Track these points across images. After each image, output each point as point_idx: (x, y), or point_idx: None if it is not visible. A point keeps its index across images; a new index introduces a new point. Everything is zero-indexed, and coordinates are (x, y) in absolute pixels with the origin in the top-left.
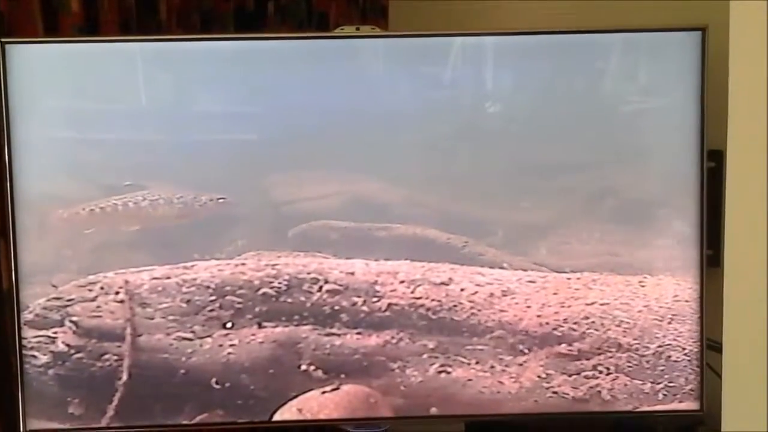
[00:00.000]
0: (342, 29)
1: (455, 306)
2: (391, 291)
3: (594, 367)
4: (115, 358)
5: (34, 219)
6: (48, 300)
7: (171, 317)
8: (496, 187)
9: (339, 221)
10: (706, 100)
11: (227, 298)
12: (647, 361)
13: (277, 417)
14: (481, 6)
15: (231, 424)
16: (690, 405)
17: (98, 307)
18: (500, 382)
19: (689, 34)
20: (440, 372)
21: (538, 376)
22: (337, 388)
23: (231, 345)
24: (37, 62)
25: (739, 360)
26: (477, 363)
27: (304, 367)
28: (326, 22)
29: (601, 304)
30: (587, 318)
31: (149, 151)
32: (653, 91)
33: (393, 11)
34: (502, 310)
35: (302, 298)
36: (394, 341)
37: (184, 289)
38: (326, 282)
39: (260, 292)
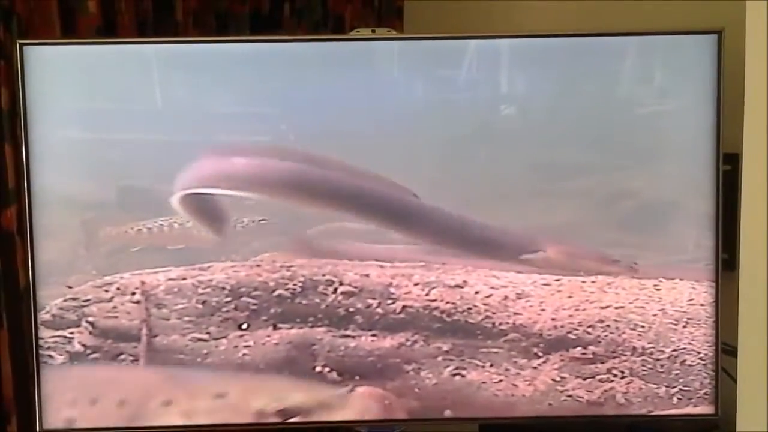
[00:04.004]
0: (357, 31)
1: (470, 309)
2: (406, 293)
3: (608, 371)
4: (131, 358)
5: (52, 219)
6: (65, 300)
7: (186, 318)
8: (511, 189)
9: (355, 223)
10: (722, 103)
11: (243, 299)
12: (662, 365)
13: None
14: (496, 8)
15: (242, 425)
16: (705, 409)
17: (114, 307)
18: (514, 385)
19: (705, 36)
20: (455, 375)
21: (553, 380)
22: (351, 390)
23: (246, 346)
24: (54, 63)
25: (754, 364)
26: (491, 366)
27: (318, 368)
28: (342, 24)
29: (616, 308)
30: (602, 321)
31: (165, 152)
32: (669, 94)
33: (408, 13)
34: (516, 313)
35: (317, 300)
36: (408, 343)
37: (200, 291)
38: (341, 284)
39: (275, 293)
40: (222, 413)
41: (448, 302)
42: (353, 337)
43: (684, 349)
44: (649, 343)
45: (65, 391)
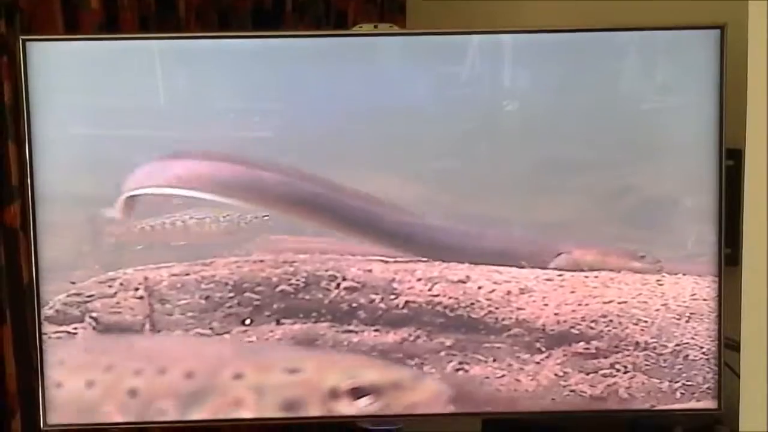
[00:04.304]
0: (360, 27)
1: (473, 304)
2: (409, 288)
3: (611, 366)
4: None
5: (55, 215)
6: (68, 296)
7: (190, 314)
8: (514, 185)
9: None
10: (725, 98)
11: (246, 294)
12: (665, 360)
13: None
14: (499, 4)
15: (247, 419)
16: (708, 404)
17: (118, 303)
18: (517, 380)
19: (708, 32)
20: (457, 370)
21: (556, 375)
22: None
23: (249, 341)
24: (57, 59)
25: (757, 358)
26: (494, 361)
27: None
28: (344, 20)
29: (619, 303)
30: (605, 316)
31: (168, 148)
32: (672, 90)
33: (411, 9)
34: (519, 308)
35: (320, 296)
36: (411, 339)
37: (203, 286)
38: (344, 279)
39: (278, 289)
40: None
41: (451, 297)
42: (356, 332)
43: (687, 343)
44: (652, 337)
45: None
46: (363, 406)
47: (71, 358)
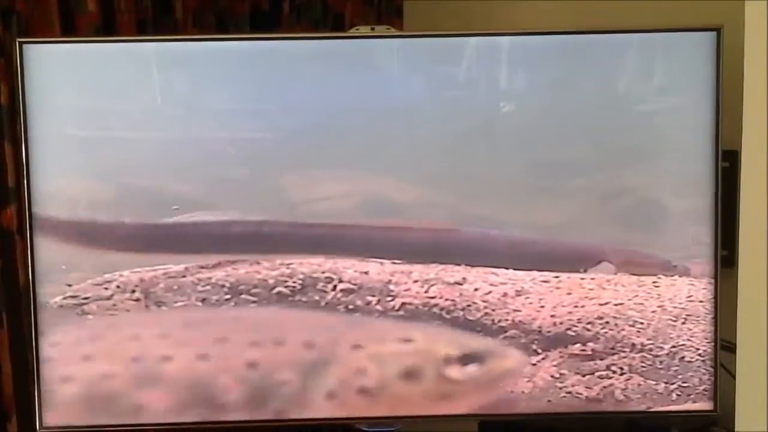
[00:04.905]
0: (357, 29)
1: (469, 305)
2: (405, 290)
3: (608, 367)
4: None
5: (51, 216)
6: (64, 298)
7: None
8: (510, 186)
9: (353, 220)
10: (721, 100)
11: (242, 296)
12: (661, 362)
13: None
14: (496, 5)
15: (244, 422)
16: (704, 405)
17: (114, 305)
18: (513, 382)
19: (704, 34)
20: None
21: (552, 376)
22: None
23: None
24: (54, 62)
25: (753, 360)
26: None
27: None
28: (342, 22)
29: (615, 305)
30: (601, 318)
31: (164, 150)
32: (668, 91)
33: (408, 11)
34: (515, 310)
35: (316, 298)
36: None
37: (200, 288)
38: (340, 281)
39: (275, 291)
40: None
41: (447, 299)
42: None
43: (683, 345)
44: (648, 339)
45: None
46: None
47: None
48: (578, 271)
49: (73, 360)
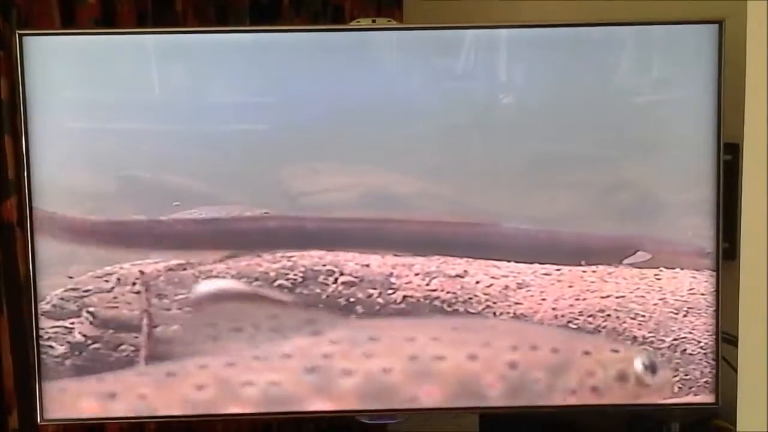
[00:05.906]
0: (357, 21)
1: (470, 298)
2: (407, 283)
3: None
4: (132, 348)
5: (51, 209)
6: (65, 291)
7: (187, 308)
8: (510, 179)
9: (354, 213)
10: (723, 93)
11: None
12: (662, 354)
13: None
14: None
15: (244, 414)
16: (705, 398)
17: (115, 298)
18: None
19: (706, 26)
20: None
21: None
22: None
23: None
24: (54, 54)
25: (755, 353)
26: None
27: None
28: (341, 15)
29: (617, 297)
30: (602, 311)
31: (165, 143)
32: (669, 84)
33: (408, 3)
34: (517, 303)
35: (318, 290)
36: None
37: (201, 281)
38: (342, 274)
39: (276, 283)
40: None
41: (448, 292)
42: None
43: (684, 338)
44: (649, 332)
45: (66, 381)
46: None
47: None
48: (580, 264)
49: None
